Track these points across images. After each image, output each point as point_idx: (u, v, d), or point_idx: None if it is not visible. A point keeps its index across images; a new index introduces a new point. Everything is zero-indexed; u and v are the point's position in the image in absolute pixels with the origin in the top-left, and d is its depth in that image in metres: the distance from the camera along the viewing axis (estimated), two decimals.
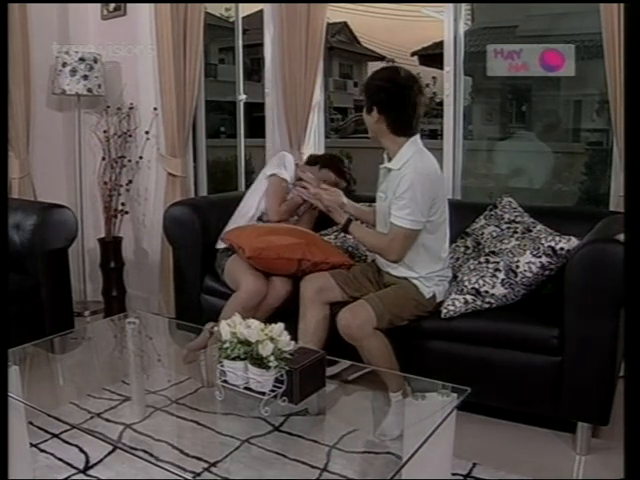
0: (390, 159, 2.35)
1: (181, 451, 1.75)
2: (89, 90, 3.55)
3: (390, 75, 2.32)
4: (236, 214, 2.94)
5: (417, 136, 2.35)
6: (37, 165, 3.69)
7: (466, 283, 2.36)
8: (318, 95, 3.41)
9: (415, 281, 2.37)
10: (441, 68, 3.23)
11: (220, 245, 2.84)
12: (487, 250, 2.53)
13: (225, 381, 1.73)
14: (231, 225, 2.87)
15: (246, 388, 1.70)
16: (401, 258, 2.33)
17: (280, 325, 1.70)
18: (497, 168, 4.51)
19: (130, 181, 3.81)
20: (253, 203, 2.92)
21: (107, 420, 1.99)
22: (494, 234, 2.59)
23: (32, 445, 2.06)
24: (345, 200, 2.51)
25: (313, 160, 3.10)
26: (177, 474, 1.45)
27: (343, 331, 2.23)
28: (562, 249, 2.23)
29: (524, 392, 2.27)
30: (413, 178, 2.23)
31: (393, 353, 2.25)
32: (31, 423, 2.09)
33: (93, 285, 3.94)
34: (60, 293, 2.93)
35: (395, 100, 2.27)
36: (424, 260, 2.36)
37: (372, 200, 2.79)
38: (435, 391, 1.74)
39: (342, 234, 2.90)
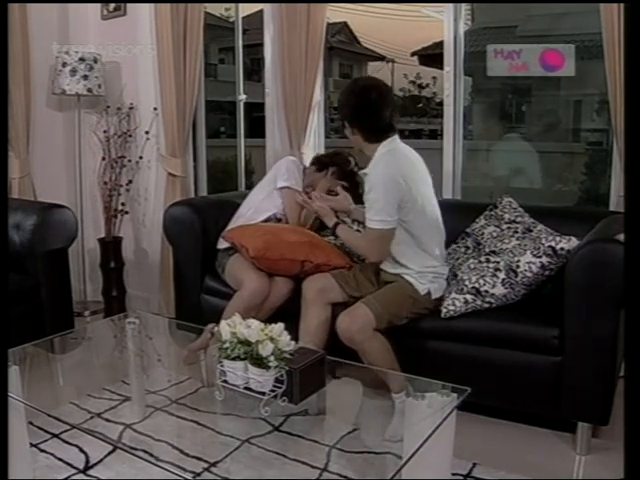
0: None
1: (181, 451, 1.76)
2: (89, 90, 3.55)
3: (349, 88, 2.41)
4: (237, 215, 2.93)
5: (392, 138, 2.36)
6: (37, 165, 3.69)
7: (466, 282, 2.36)
8: (318, 95, 3.40)
9: (409, 278, 2.37)
10: (441, 68, 3.23)
11: (221, 244, 2.84)
12: (487, 250, 2.53)
13: (225, 381, 1.73)
14: (232, 226, 2.87)
15: (246, 388, 1.70)
16: (381, 258, 2.37)
17: (280, 325, 1.70)
18: (497, 168, 4.51)
19: (130, 181, 3.81)
20: (258, 208, 2.89)
21: (107, 420, 1.99)
22: (494, 234, 2.60)
23: (32, 445, 2.06)
24: (352, 207, 2.64)
25: (316, 162, 3.04)
26: (177, 474, 1.45)
27: (343, 335, 2.23)
28: (562, 249, 2.22)
29: (524, 392, 2.27)
30: (373, 179, 2.27)
31: (394, 354, 2.25)
32: (31, 423, 2.09)
33: (93, 285, 3.94)
34: (60, 293, 2.93)
35: (357, 110, 2.33)
36: (410, 256, 2.37)
37: None
38: (435, 391, 1.73)
39: None
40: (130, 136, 3.76)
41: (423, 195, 2.37)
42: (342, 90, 2.44)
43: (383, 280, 2.47)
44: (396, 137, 2.38)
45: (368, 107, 2.32)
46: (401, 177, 2.27)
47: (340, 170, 2.93)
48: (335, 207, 2.58)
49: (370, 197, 2.27)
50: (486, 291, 2.32)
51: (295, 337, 1.90)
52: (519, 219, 2.62)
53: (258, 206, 2.90)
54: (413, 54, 7.12)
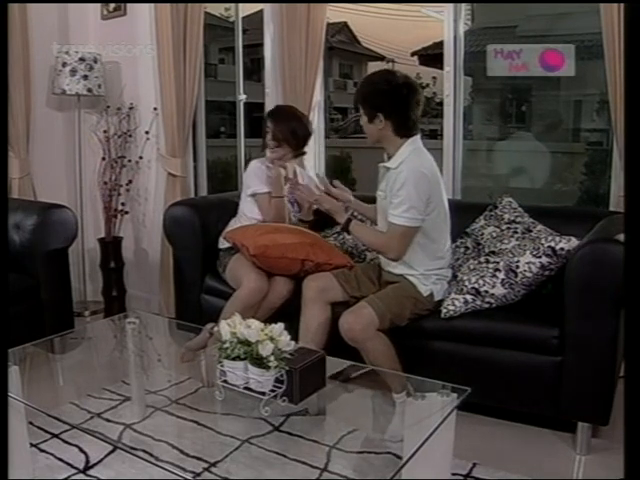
0: (389, 158, 2.37)
1: (181, 451, 1.75)
2: (89, 90, 3.55)
3: (388, 78, 2.35)
4: (237, 216, 2.93)
5: (417, 136, 2.37)
6: (37, 165, 3.69)
7: (466, 283, 2.36)
8: (318, 95, 3.41)
9: (412, 279, 2.38)
10: (441, 68, 3.23)
11: (223, 244, 2.84)
12: (487, 250, 2.53)
13: (225, 381, 1.73)
14: (231, 226, 2.87)
15: (246, 388, 1.69)
16: (401, 256, 2.34)
17: (280, 325, 1.70)
18: (497, 168, 4.52)
19: (130, 181, 3.81)
20: (246, 213, 2.89)
21: (107, 420, 1.98)
22: (494, 234, 2.60)
23: (32, 445, 2.06)
24: (352, 198, 2.62)
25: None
26: (177, 474, 1.45)
27: (346, 335, 2.23)
28: (562, 249, 2.22)
29: (524, 392, 2.27)
30: (408, 175, 2.25)
31: (395, 354, 2.25)
32: (31, 423, 2.08)
33: (93, 285, 3.94)
34: (60, 293, 2.93)
35: (399, 102, 2.30)
36: (421, 258, 2.37)
37: (373, 201, 2.79)
38: (435, 391, 1.73)
39: (342, 235, 2.90)
40: (130, 136, 3.76)
41: (442, 197, 2.39)
42: (376, 80, 2.36)
43: (385, 280, 2.47)
44: (419, 137, 2.38)
45: (407, 99, 2.30)
46: (431, 175, 2.30)
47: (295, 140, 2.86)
48: (329, 203, 2.51)
49: (401, 193, 2.25)
50: (486, 291, 2.32)
51: (295, 337, 1.90)
52: (519, 219, 2.62)
53: (250, 209, 2.89)
54: (413, 54, 7.13)
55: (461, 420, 1.70)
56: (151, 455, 1.60)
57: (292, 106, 3.08)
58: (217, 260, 2.86)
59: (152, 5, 3.54)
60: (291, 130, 2.85)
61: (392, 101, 2.30)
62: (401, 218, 2.26)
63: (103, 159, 3.77)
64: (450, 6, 3.14)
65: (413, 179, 2.24)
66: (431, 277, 2.39)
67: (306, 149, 3.00)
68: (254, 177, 2.88)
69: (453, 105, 3.19)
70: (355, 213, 2.75)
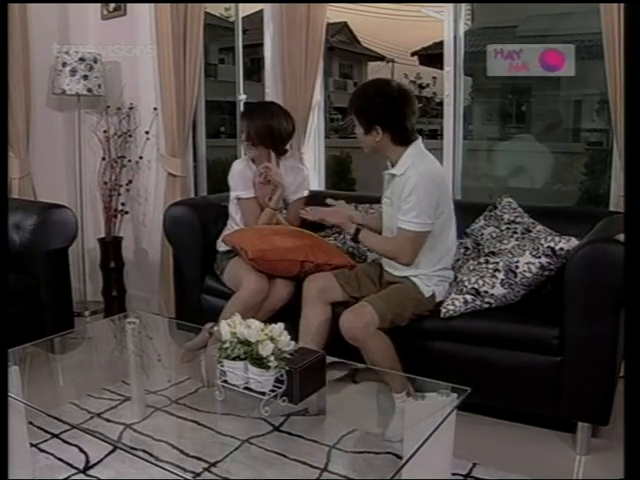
0: (393, 165, 2.37)
1: (181, 451, 1.76)
2: (89, 90, 3.55)
3: (382, 90, 2.34)
4: (230, 220, 2.93)
5: (419, 140, 2.37)
6: (37, 165, 3.69)
7: (466, 283, 2.36)
8: (318, 95, 3.41)
9: (415, 279, 2.37)
10: (441, 68, 3.23)
11: (221, 247, 2.84)
12: (487, 250, 2.53)
13: (225, 381, 1.73)
14: (228, 229, 2.87)
15: (246, 388, 1.70)
16: (413, 261, 2.34)
17: (280, 325, 1.70)
18: (497, 168, 4.52)
19: (130, 181, 3.80)
20: (233, 215, 2.88)
21: (107, 420, 1.99)
22: (494, 234, 2.60)
23: (32, 445, 2.06)
24: (353, 212, 2.61)
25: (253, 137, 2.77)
26: (177, 474, 1.45)
27: (346, 333, 2.23)
28: (562, 249, 2.22)
29: (524, 392, 2.27)
30: (417, 181, 2.25)
31: (396, 353, 2.25)
32: (31, 423, 2.08)
33: (93, 285, 3.94)
34: (60, 293, 2.93)
35: (394, 114, 2.30)
36: (427, 260, 2.37)
37: (373, 201, 2.79)
38: (435, 391, 1.73)
39: (342, 235, 2.90)
40: (130, 136, 3.76)
41: (449, 198, 2.40)
42: (368, 93, 2.36)
43: (386, 280, 2.47)
44: (420, 140, 2.37)
45: (403, 110, 2.30)
46: (439, 178, 2.32)
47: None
48: (335, 218, 2.52)
49: (411, 199, 2.24)
50: (485, 291, 2.32)
51: (295, 337, 1.90)
52: (518, 219, 2.62)
53: (236, 211, 2.87)
54: (413, 54, 7.14)
55: (461, 420, 1.70)
56: (151, 455, 1.61)
57: (271, 102, 2.99)
58: (214, 263, 2.86)
59: (152, 5, 3.54)
60: (266, 129, 2.74)
61: (388, 114, 2.30)
62: (411, 224, 2.26)
63: (103, 159, 3.77)
64: (450, 6, 3.14)
65: (422, 184, 2.24)
66: (434, 278, 2.39)
67: (288, 147, 2.89)
68: (238, 180, 2.83)
69: (453, 105, 3.19)
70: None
